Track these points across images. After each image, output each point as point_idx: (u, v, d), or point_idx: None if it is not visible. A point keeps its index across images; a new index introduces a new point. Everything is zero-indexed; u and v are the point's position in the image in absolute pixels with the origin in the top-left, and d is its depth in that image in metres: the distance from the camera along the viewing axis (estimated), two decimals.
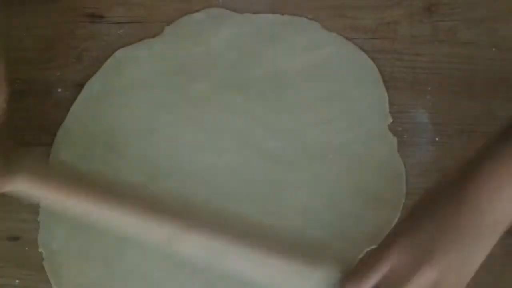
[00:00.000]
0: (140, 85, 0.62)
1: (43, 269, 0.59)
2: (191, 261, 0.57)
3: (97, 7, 0.63)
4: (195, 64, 0.62)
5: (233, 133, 0.61)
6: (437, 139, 0.61)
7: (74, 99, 0.62)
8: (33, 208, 0.60)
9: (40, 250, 0.59)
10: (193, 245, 0.53)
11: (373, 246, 0.57)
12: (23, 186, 0.54)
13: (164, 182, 0.59)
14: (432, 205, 0.49)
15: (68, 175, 0.56)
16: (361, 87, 0.61)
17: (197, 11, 0.63)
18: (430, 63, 0.62)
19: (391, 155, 0.60)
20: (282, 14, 0.63)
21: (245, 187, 0.60)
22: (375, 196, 0.59)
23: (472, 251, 0.49)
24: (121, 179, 0.59)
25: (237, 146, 0.60)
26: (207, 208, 0.58)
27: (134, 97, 0.62)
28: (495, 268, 0.59)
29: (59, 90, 0.62)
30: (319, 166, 0.60)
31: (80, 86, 0.62)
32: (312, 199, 0.59)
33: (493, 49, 0.62)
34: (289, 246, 0.54)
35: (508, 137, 0.48)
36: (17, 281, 0.59)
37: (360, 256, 0.57)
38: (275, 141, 0.60)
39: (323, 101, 0.61)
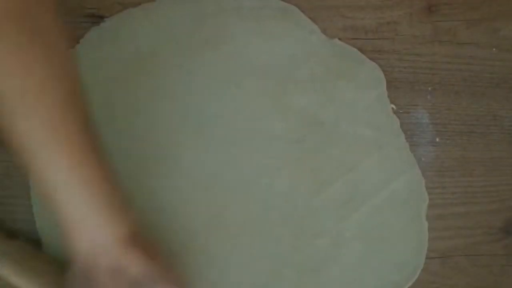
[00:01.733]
0: (142, 52, 0.61)
1: None
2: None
3: (97, 7, 0.63)
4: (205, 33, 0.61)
5: (231, 108, 0.60)
6: (437, 139, 0.61)
7: None
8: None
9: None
10: None
11: None
12: None
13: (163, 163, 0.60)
14: None
15: None
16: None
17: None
18: (431, 63, 0.62)
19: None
20: None
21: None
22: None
23: None
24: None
25: (232, 122, 0.60)
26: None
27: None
28: (495, 268, 0.59)
29: None
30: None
31: None
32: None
33: (493, 49, 0.62)
34: None
35: None
36: None
37: None
38: (281, 122, 0.60)
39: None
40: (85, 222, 0.49)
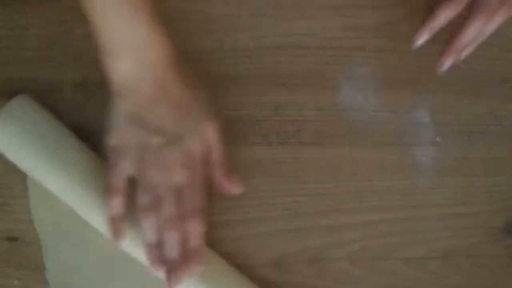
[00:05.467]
0: None
1: (42, 270, 0.59)
2: None
3: None
4: None
5: None
6: (438, 139, 0.61)
7: (74, 99, 0.61)
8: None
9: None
10: None
11: None
12: None
13: None
14: None
15: None
16: None
17: (198, 10, 0.63)
18: (431, 63, 0.62)
19: None
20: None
21: None
22: None
23: None
24: None
25: None
26: None
27: None
28: (496, 269, 0.59)
29: (59, 90, 0.62)
30: None
31: (80, 86, 0.62)
32: None
33: (494, 49, 0.62)
34: None
35: None
36: (16, 281, 0.59)
37: None
38: None
39: None
40: (132, 37, 0.52)
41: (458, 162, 0.60)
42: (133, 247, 0.56)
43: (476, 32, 0.54)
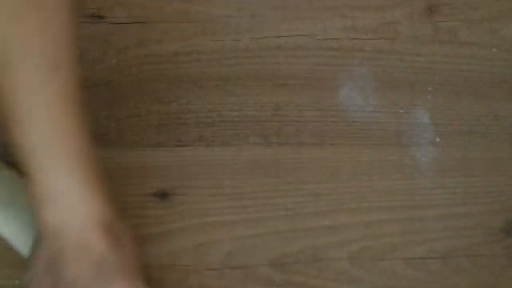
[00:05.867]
0: None
1: None
2: None
3: (97, 7, 0.63)
4: None
5: None
6: (437, 139, 0.61)
7: None
8: None
9: None
10: None
11: None
12: None
13: None
14: None
15: None
16: None
17: (198, 11, 0.63)
18: (431, 64, 0.62)
19: None
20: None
21: None
22: None
23: None
24: None
25: None
26: None
27: None
28: (496, 269, 0.59)
29: None
30: None
31: None
32: None
33: (494, 49, 0.62)
34: None
35: None
36: (17, 281, 0.59)
37: None
38: None
39: None
40: (66, 191, 0.50)
41: (458, 162, 0.60)
42: None
43: None
